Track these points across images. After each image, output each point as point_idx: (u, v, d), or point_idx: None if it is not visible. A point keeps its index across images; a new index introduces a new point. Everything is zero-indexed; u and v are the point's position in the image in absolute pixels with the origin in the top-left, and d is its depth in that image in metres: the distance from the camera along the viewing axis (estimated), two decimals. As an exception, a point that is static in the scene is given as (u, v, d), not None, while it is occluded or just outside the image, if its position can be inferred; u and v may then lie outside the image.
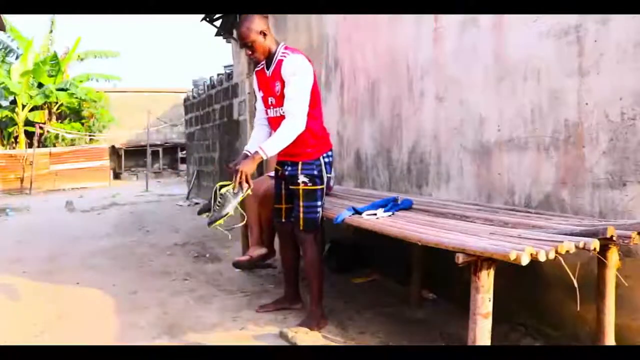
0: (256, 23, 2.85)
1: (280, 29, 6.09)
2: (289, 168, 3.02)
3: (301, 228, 3.03)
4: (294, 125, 2.82)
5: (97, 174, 18.95)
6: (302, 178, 2.97)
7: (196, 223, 7.40)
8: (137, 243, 5.99)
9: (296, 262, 3.31)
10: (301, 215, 3.00)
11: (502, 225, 2.30)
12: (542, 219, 2.39)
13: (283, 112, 2.89)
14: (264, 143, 2.84)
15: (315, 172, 2.98)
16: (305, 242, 3.06)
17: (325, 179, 3.03)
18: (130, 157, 23.43)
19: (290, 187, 3.04)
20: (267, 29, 2.88)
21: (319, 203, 3.01)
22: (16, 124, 19.18)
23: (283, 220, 3.21)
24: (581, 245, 1.87)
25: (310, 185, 2.98)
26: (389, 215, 2.77)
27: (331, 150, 3.10)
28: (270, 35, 2.92)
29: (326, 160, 3.02)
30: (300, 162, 2.97)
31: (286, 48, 2.93)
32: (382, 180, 4.15)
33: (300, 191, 2.98)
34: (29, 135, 18.64)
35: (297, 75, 2.82)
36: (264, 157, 2.83)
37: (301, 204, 2.99)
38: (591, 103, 2.41)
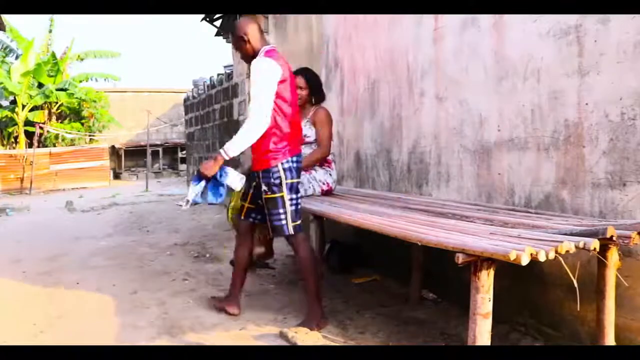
0: (240, 28, 3.01)
1: (280, 29, 6.09)
2: (254, 175, 3.09)
3: (270, 235, 3.13)
4: (252, 125, 2.89)
5: (97, 174, 18.94)
6: (263, 187, 3.01)
7: (196, 223, 7.41)
8: (137, 243, 5.98)
9: (247, 264, 3.35)
10: (269, 223, 3.06)
11: (502, 225, 2.30)
12: (542, 219, 2.39)
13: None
14: (226, 144, 2.94)
15: (272, 181, 2.97)
16: (294, 244, 3.09)
17: (285, 186, 2.98)
18: (130, 157, 23.42)
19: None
20: (250, 34, 2.99)
21: (281, 210, 2.99)
22: (16, 124, 19.17)
23: (242, 217, 3.26)
24: (581, 245, 1.87)
25: (269, 194, 2.99)
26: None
27: (300, 155, 3.10)
28: (255, 39, 3.01)
29: (286, 166, 2.98)
30: (260, 171, 3.01)
31: (268, 52, 2.98)
32: (382, 180, 4.15)
33: (264, 199, 3.03)
34: (29, 135, 18.64)
35: (257, 77, 2.90)
36: (226, 158, 2.93)
37: (266, 211, 3.06)
38: (591, 103, 2.41)
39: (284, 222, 3.00)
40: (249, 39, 2.99)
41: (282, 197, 2.98)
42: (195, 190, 3.00)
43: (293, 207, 3.01)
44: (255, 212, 3.22)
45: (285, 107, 2.96)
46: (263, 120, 2.88)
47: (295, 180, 3.02)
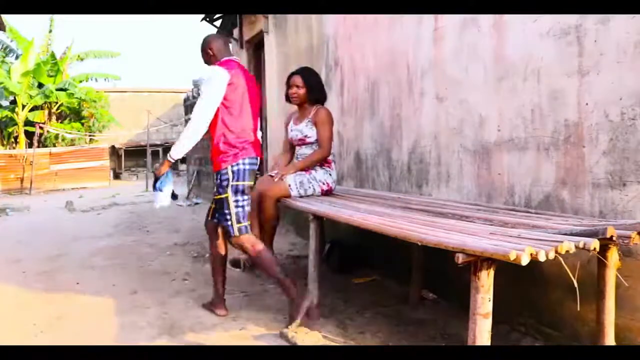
0: (207, 44, 3.26)
1: (280, 29, 6.09)
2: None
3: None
4: (190, 128, 3.06)
5: (97, 174, 18.97)
6: (215, 187, 3.17)
7: (196, 223, 7.41)
8: (137, 243, 5.99)
9: (223, 261, 3.42)
10: (222, 222, 3.21)
11: (502, 225, 2.30)
12: (542, 219, 2.39)
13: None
14: (171, 148, 3.17)
15: (220, 182, 3.12)
16: (240, 245, 3.18)
17: (230, 188, 3.09)
18: (130, 157, 23.44)
19: None
20: (215, 49, 3.23)
21: (227, 211, 3.12)
22: (16, 124, 19.19)
23: (209, 218, 3.38)
24: (581, 245, 1.87)
25: (217, 195, 3.16)
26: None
27: (253, 157, 3.18)
28: (219, 53, 3.24)
29: (235, 169, 3.09)
30: (215, 173, 3.18)
31: (222, 62, 3.17)
32: (382, 180, 4.15)
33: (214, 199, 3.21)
34: (29, 135, 18.66)
35: (203, 85, 3.11)
36: (172, 161, 3.17)
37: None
38: (591, 103, 2.41)
39: (229, 222, 3.12)
40: (214, 53, 3.24)
41: (227, 198, 3.10)
42: (166, 193, 3.27)
43: (239, 209, 3.12)
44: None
45: (233, 109, 3.09)
46: (202, 123, 3.07)
47: (242, 183, 3.12)
